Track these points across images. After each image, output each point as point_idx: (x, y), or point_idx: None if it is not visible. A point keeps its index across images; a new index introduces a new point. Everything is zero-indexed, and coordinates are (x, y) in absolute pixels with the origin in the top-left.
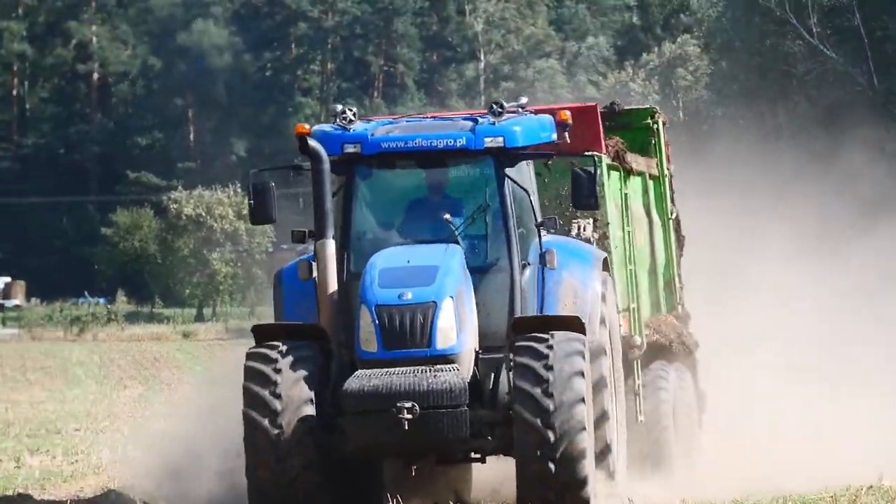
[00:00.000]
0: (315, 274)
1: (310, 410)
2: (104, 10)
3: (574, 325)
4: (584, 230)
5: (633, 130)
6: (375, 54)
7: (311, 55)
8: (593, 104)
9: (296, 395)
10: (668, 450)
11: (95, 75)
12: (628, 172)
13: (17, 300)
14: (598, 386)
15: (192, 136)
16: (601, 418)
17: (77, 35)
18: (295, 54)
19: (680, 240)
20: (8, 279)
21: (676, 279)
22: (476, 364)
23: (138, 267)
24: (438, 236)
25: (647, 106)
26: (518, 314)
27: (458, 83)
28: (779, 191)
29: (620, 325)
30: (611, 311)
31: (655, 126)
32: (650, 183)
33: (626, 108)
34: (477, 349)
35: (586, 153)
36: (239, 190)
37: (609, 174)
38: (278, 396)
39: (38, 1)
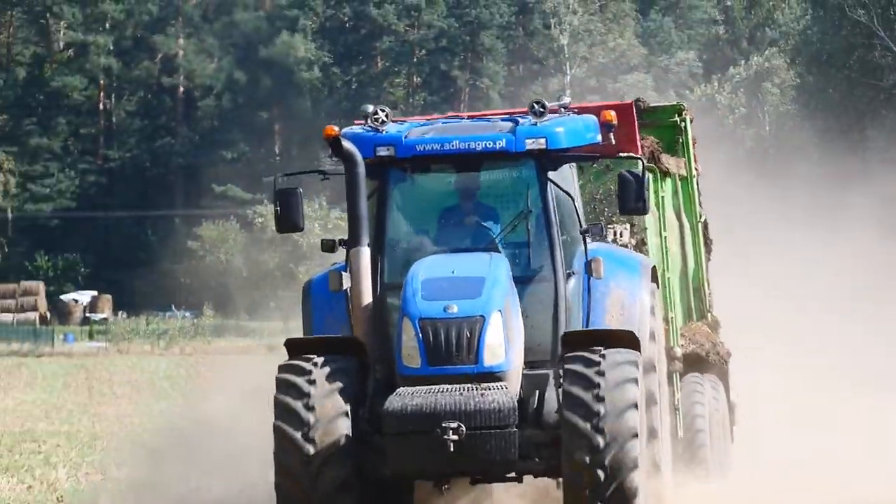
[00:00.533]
0: (347, 285)
1: (345, 425)
2: (190, 23)
3: (627, 339)
4: (622, 236)
5: (660, 128)
6: (461, 68)
7: (396, 68)
8: (629, 102)
9: (330, 408)
10: (706, 466)
11: (181, 88)
12: (663, 175)
13: (104, 314)
14: (648, 403)
15: (277, 150)
16: (651, 436)
17: (163, 48)
18: (380, 67)
19: (708, 244)
20: (94, 293)
21: (706, 285)
22: (522, 382)
23: (224, 280)
24: (478, 245)
25: (675, 102)
26: (563, 327)
27: (544, 96)
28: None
29: None
30: (659, 323)
31: (683, 123)
32: (679, 184)
33: (651, 105)
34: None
35: (621, 154)
36: (325, 203)
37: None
38: (311, 409)
39: (125, 15)
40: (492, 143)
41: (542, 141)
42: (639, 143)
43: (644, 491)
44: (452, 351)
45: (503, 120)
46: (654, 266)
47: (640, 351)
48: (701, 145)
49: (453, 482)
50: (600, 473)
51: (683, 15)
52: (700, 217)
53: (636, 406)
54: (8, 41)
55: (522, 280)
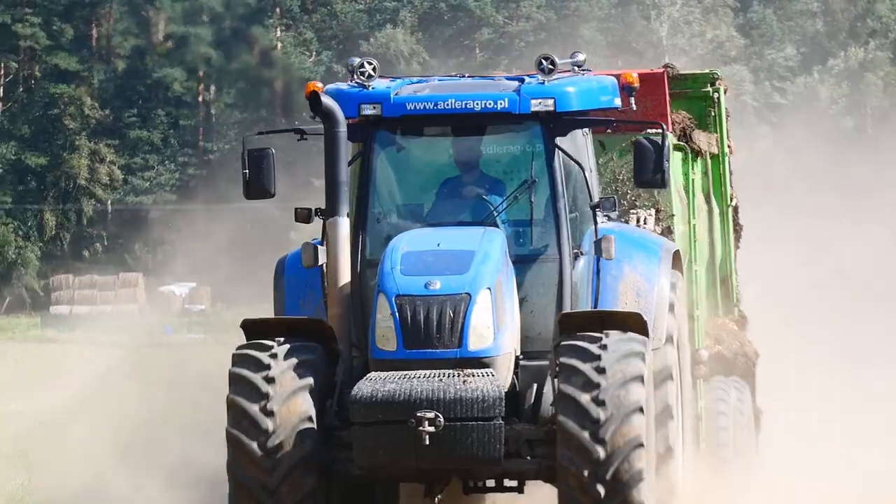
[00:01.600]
0: (322, 260)
1: (310, 420)
2: (288, 15)
3: (634, 323)
4: (646, 222)
5: (690, 99)
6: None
7: (495, 60)
8: (661, 70)
9: (293, 410)
10: (728, 481)
11: (279, 81)
12: (696, 154)
13: (203, 306)
14: (663, 417)
15: None
16: (666, 455)
17: (261, 41)
18: (479, 60)
19: (738, 230)
20: (193, 284)
21: (734, 276)
22: (516, 371)
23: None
24: (473, 219)
25: (708, 70)
26: (567, 311)
27: None
28: None
29: None
30: (681, 319)
31: (716, 94)
32: (710, 163)
33: (682, 72)
34: (517, 354)
35: (641, 122)
36: None
37: (673, 155)
38: (270, 414)
39: (223, 7)
40: (493, 104)
41: (550, 102)
42: (669, 117)
43: None
44: (433, 332)
45: (509, 79)
46: (678, 251)
47: (648, 337)
48: (801, 138)
49: (447, 491)
50: (600, 489)
51: (784, 6)
52: (731, 200)
53: (642, 410)
54: (108, 34)
55: (523, 260)
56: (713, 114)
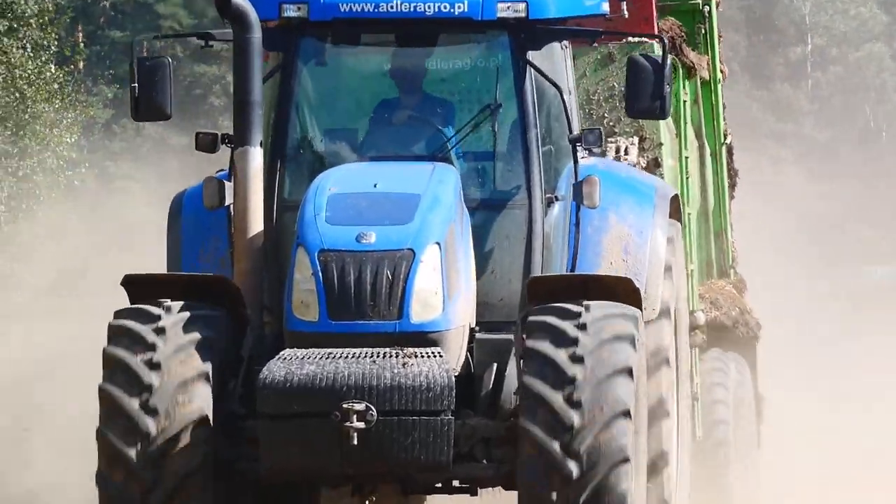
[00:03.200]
0: (229, 200)
1: (205, 403)
2: None
3: (623, 290)
4: (627, 153)
5: (677, 13)
6: None
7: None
8: None
9: (185, 405)
10: (727, 477)
11: None
12: (687, 72)
13: None
14: (656, 414)
15: None
16: (658, 462)
17: None
18: None
19: (732, 175)
20: None
21: (728, 231)
22: (471, 348)
23: None
24: (422, 151)
25: None
26: (538, 273)
27: (784, 67)
28: None
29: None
30: (680, 285)
31: (707, 8)
32: (699, 92)
33: None
34: (473, 326)
35: (642, 37)
36: None
37: None
38: (153, 412)
39: None
40: (449, 7)
41: (522, 7)
42: (656, 25)
43: None
44: (366, 299)
45: None
46: (676, 196)
47: (641, 309)
48: None
49: (381, 492)
50: None
51: None
52: (725, 138)
53: (629, 414)
54: None
55: (483, 206)
56: (703, 31)
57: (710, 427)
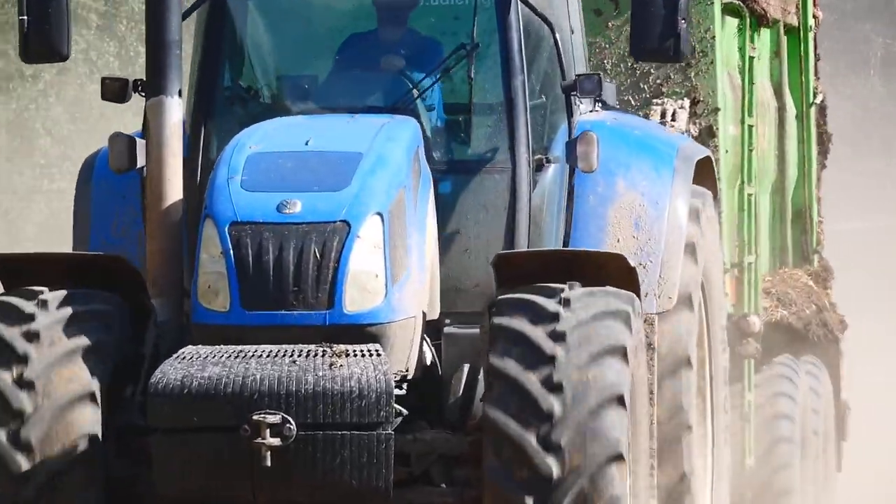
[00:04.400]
0: (142, 162)
1: (90, 412)
2: None
3: (616, 269)
4: (674, 118)
5: None
6: (873, 31)
7: None
8: None
9: (67, 415)
10: None
11: None
12: (759, 20)
13: None
14: (675, 427)
15: None
16: (679, 487)
17: None
18: None
19: (824, 142)
20: None
21: (814, 208)
22: (437, 344)
23: None
24: (383, 103)
25: None
26: (506, 252)
27: None
28: None
29: (726, 295)
30: (710, 267)
31: None
32: (784, 40)
33: None
34: (434, 317)
35: None
36: None
37: (724, 20)
38: (28, 387)
39: None
40: None
41: None
42: None
43: None
44: (288, 284)
45: None
46: (708, 157)
47: (639, 292)
48: None
49: None
50: None
51: None
52: (814, 96)
53: (622, 400)
54: None
55: (456, 169)
56: None
57: (768, 448)
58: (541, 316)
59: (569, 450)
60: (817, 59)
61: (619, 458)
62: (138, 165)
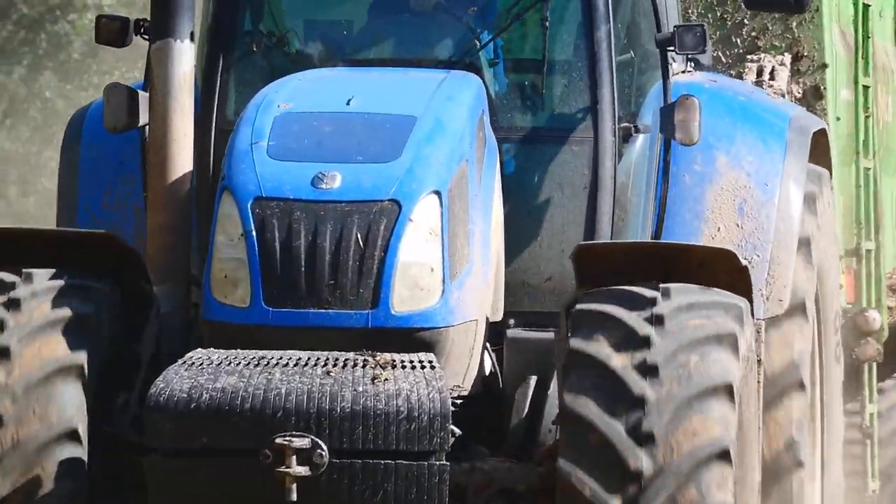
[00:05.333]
0: (144, 120)
1: (74, 416)
2: None
3: (724, 269)
4: (773, 78)
5: None
6: None
7: None
8: None
9: (44, 375)
10: None
11: None
12: None
13: None
14: (784, 461)
15: None
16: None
17: None
18: None
19: None
20: None
21: None
22: (497, 349)
23: None
24: (439, 56)
25: None
26: (604, 238)
27: None
28: None
29: (841, 288)
30: (826, 263)
31: None
32: None
33: None
34: (498, 319)
35: None
36: None
37: None
38: (4, 355)
39: None
40: None
41: None
42: None
43: None
44: (322, 277)
45: None
46: (824, 129)
47: (752, 299)
48: None
49: None
50: None
51: None
52: None
53: (727, 456)
54: None
55: (527, 139)
56: None
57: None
58: (629, 341)
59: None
60: None
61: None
62: (140, 123)
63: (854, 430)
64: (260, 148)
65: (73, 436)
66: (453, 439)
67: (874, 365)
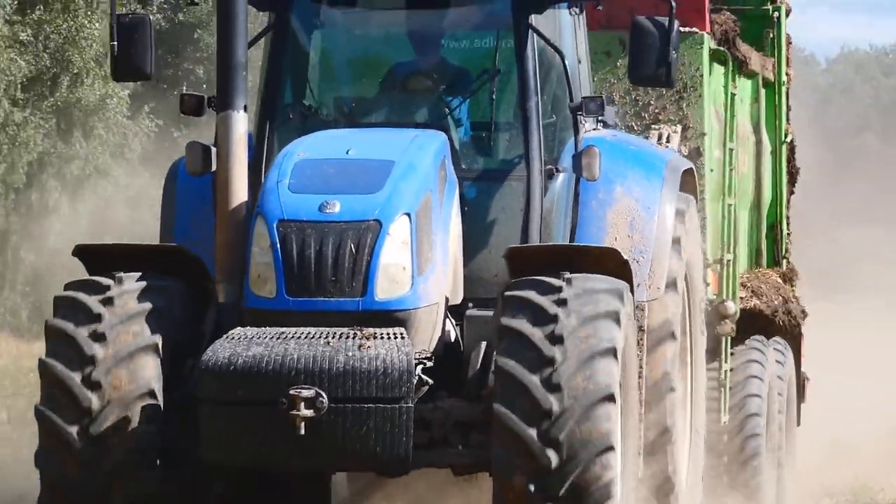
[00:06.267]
0: (214, 166)
1: (154, 406)
2: None
3: (611, 262)
4: (669, 141)
5: (745, 18)
6: None
7: None
8: None
9: (131, 379)
10: (756, 462)
11: None
12: (739, 65)
13: None
14: (659, 390)
15: None
16: (662, 438)
17: None
18: None
19: (792, 172)
20: None
21: (784, 223)
22: (461, 324)
23: None
24: (418, 119)
25: None
26: (517, 246)
27: None
28: None
29: (708, 285)
30: (693, 259)
31: (776, 15)
32: (763, 91)
33: None
34: (457, 302)
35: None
36: None
37: (712, 66)
38: (96, 386)
39: None
40: None
41: None
42: (707, 16)
43: None
44: (327, 274)
45: None
46: (691, 169)
47: (632, 282)
48: None
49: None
50: None
51: None
52: (786, 136)
53: (613, 398)
54: None
55: (481, 177)
56: (772, 36)
57: (742, 420)
58: (542, 317)
59: (566, 443)
60: (789, 108)
61: (610, 449)
62: (211, 170)
63: (713, 382)
64: (283, 185)
65: (151, 394)
66: (426, 388)
67: (729, 339)
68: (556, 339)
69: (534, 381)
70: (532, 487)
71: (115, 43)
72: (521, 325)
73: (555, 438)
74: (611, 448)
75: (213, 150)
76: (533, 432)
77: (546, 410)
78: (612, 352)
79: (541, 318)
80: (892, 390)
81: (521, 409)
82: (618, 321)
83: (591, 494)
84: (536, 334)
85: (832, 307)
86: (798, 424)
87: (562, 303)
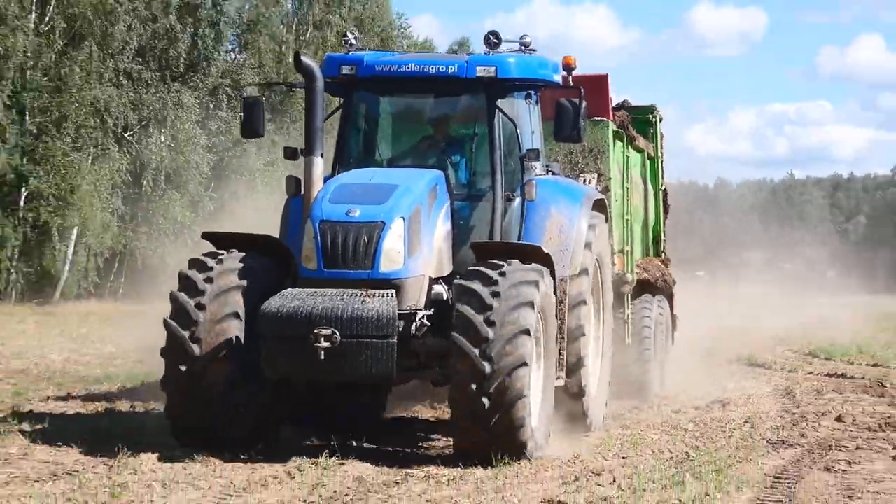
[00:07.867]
0: (302, 191)
1: (236, 325)
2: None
3: (537, 255)
4: (590, 183)
5: (638, 123)
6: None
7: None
8: (604, 74)
9: (222, 306)
10: (648, 364)
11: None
12: (631, 141)
13: None
14: (576, 334)
15: None
16: (577, 363)
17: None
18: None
19: (666, 207)
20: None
21: (662, 234)
22: (451, 289)
23: None
24: (424, 162)
25: (649, 104)
26: (480, 241)
27: None
28: None
29: (615, 264)
30: (602, 250)
31: (654, 119)
32: (647, 161)
33: (633, 104)
34: (444, 274)
35: (594, 118)
36: None
37: (615, 141)
38: (202, 308)
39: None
40: (444, 68)
41: (493, 69)
42: (611, 112)
43: (536, 420)
44: (349, 255)
45: (469, 55)
46: (602, 200)
47: (552, 268)
48: None
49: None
50: (485, 402)
51: None
52: (661, 186)
53: (529, 332)
54: None
55: (466, 198)
56: (651, 132)
57: (639, 340)
58: (488, 281)
59: (496, 358)
60: (664, 171)
61: (524, 364)
62: (302, 193)
63: (619, 321)
64: (325, 199)
65: (235, 341)
66: (427, 327)
67: (629, 296)
68: (490, 323)
69: (478, 318)
70: (474, 386)
71: (242, 114)
72: (466, 309)
73: (489, 356)
74: (524, 364)
75: (302, 181)
76: (476, 351)
77: (484, 337)
78: (531, 303)
79: (487, 281)
80: (721, 323)
81: (469, 337)
82: (537, 286)
83: (511, 395)
84: (484, 290)
85: (690, 279)
86: (672, 344)
87: (495, 295)
